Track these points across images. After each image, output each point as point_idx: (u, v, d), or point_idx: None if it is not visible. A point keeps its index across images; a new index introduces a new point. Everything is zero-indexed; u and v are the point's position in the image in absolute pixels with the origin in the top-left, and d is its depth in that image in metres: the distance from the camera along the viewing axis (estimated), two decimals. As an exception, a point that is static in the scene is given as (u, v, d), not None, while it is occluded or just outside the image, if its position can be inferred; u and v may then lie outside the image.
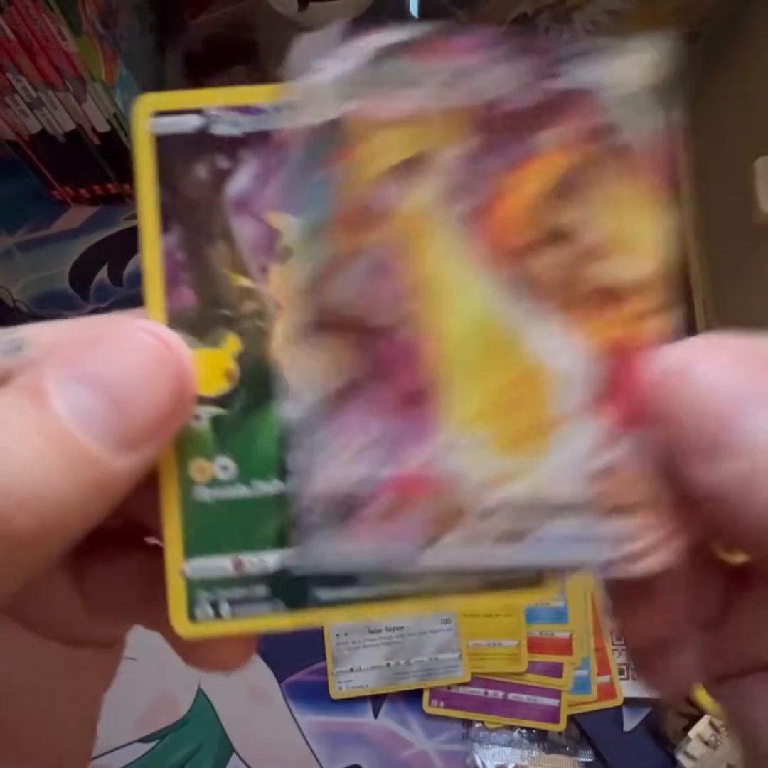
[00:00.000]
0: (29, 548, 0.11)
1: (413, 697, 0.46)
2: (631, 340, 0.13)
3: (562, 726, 0.45)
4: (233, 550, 0.13)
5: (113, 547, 0.16)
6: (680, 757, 0.43)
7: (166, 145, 0.13)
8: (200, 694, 0.46)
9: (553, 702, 0.46)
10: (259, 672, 0.47)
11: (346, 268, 0.13)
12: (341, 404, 0.13)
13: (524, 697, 0.46)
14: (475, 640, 0.46)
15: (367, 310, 0.13)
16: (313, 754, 0.46)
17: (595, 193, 0.13)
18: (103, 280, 0.55)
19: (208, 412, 0.13)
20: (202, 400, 0.13)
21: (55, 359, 0.11)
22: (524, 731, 0.46)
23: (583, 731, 0.46)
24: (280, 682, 0.47)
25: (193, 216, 0.13)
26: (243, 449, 0.13)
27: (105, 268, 0.55)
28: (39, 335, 0.13)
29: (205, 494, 0.13)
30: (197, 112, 0.13)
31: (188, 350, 0.13)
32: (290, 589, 0.13)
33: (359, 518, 0.13)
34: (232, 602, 0.13)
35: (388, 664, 0.46)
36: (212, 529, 0.13)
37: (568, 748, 0.45)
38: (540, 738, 0.46)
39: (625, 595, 0.16)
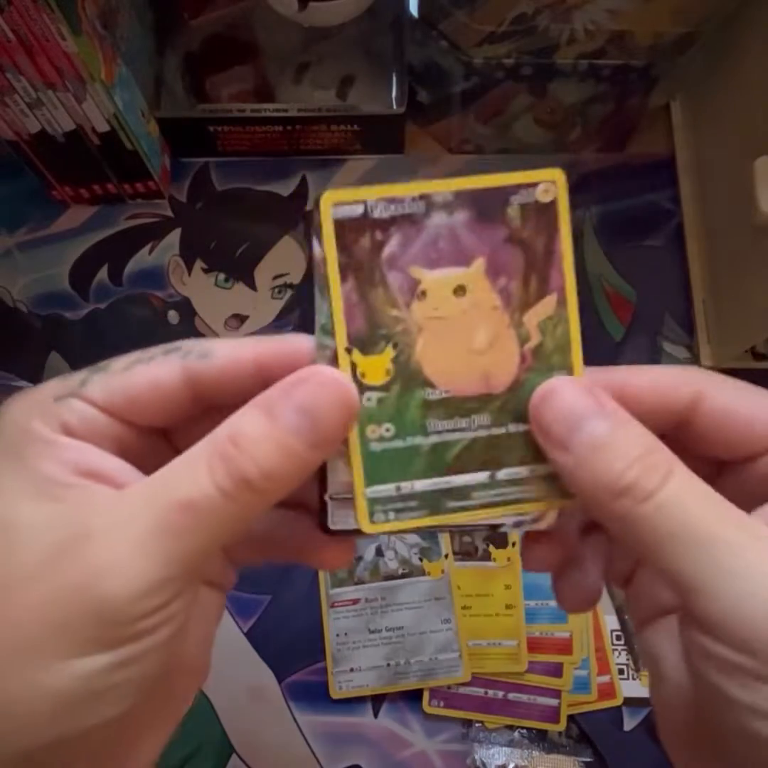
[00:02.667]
0: (265, 502, 0.19)
1: (413, 697, 0.46)
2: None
3: (562, 726, 0.45)
4: (395, 480, 0.21)
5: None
6: (680, 757, 0.43)
7: (341, 225, 0.19)
8: (200, 694, 0.46)
9: (553, 702, 0.46)
10: (259, 672, 0.47)
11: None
12: None
13: (524, 697, 0.46)
14: (475, 640, 0.46)
15: None
16: (313, 754, 0.46)
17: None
18: (103, 280, 0.55)
19: (376, 395, 0.20)
20: (372, 388, 0.20)
21: (280, 390, 0.19)
22: (524, 731, 0.46)
23: (583, 731, 0.46)
24: (280, 682, 0.47)
25: (361, 271, 0.20)
26: (398, 417, 0.20)
27: (105, 268, 0.55)
28: (220, 348, 0.20)
29: (376, 446, 0.20)
30: (362, 202, 0.19)
31: (355, 388, 0.19)
32: (430, 502, 0.21)
33: None
34: (396, 511, 0.21)
35: (388, 664, 0.46)
36: (381, 468, 0.20)
37: (568, 748, 0.45)
38: (540, 738, 0.46)
39: (530, 540, 0.24)
